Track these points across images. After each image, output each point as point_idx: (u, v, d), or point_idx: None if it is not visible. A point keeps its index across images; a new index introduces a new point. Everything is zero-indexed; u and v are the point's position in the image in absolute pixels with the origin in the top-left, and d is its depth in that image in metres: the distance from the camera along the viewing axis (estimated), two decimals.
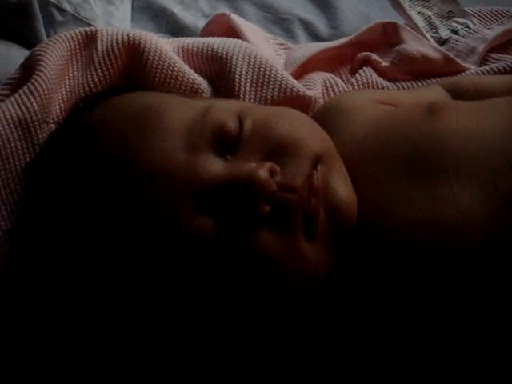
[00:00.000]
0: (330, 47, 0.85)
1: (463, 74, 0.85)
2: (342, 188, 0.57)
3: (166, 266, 0.54)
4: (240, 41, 0.82)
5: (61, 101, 0.77)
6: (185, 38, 0.86)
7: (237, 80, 0.77)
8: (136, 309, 0.57)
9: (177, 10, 1.03)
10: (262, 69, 0.77)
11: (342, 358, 0.59)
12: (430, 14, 0.93)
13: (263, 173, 0.53)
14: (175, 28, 1.00)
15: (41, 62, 0.76)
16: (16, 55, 0.86)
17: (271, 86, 0.76)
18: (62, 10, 0.92)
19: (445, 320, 0.55)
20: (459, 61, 0.86)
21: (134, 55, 0.79)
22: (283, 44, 0.92)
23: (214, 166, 0.54)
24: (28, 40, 0.89)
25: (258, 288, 0.54)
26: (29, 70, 0.77)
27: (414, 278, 0.56)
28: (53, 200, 0.59)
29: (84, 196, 0.56)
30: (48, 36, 0.90)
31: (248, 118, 0.58)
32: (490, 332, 0.55)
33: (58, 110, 0.76)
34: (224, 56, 0.79)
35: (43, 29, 0.90)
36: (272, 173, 0.54)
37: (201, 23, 0.99)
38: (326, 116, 0.67)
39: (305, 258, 0.54)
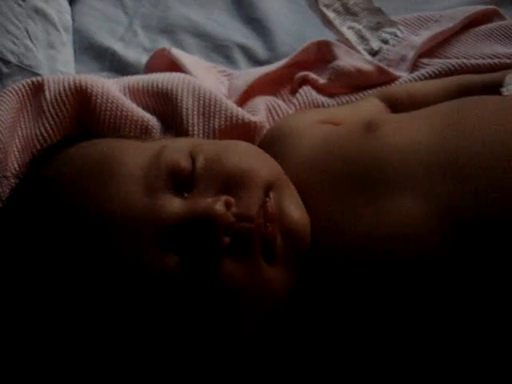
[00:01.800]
0: (269, 71, 0.89)
1: (397, 82, 0.90)
2: (295, 211, 0.61)
3: (137, 305, 0.57)
4: (183, 75, 0.85)
5: (16, 153, 0.79)
6: (129, 77, 0.89)
7: (184, 114, 0.80)
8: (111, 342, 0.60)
9: (118, 47, 1.05)
10: (206, 100, 0.81)
11: (318, 369, 0.63)
12: (359, 27, 0.97)
13: (219, 206, 0.56)
14: (118, 66, 1.03)
15: None
16: None
17: (217, 116, 0.80)
18: (6, 62, 0.94)
19: (406, 325, 0.59)
20: (391, 70, 0.91)
21: (82, 100, 0.82)
22: (224, 71, 0.96)
23: (173, 204, 0.58)
24: None
25: (227, 313, 0.58)
26: None
27: (370, 289, 0.60)
28: (19, 256, 0.62)
29: (51, 248, 0.59)
30: None
31: (199, 155, 0.61)
32: (452, 329, 0.59)
33: (16, 163, 0.78)
34: (169, 92, 0.82)
35: None
36: (228, 205, 0.57)
37: (143, 59, 1.02)
38: (272, 142, 0.71)
39: (267, 280, 0.58)
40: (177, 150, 0.62)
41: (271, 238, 0.58)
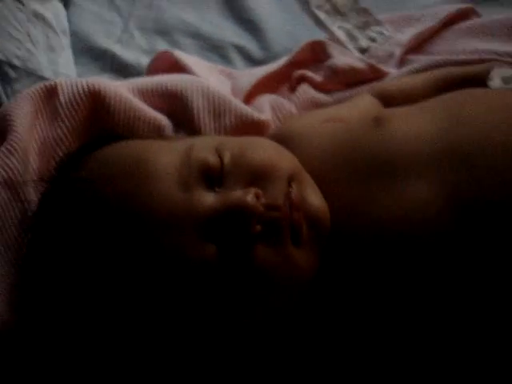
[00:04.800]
0: (270, 71, 0.95)
1: (387, 77, 0.97)
2: (315, 199, 0.67)
3: (180, 293, 0.62)
4: (191, 76, 0.90)
5: (35, 157, 0.81)
6: (136, 79, 0.93)
7: (195, 113, 0.85)
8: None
9: (116, 49, 1.09)
10: (216, 100, 0.86)
11: (338, 355, 0.69)
12: (348, 26, 1.04)
13: (250, 198, 0.62)
14: (119, 67, 1.07)
15: (11, 122, 0.81)
16: None
17: (227, 115, 0.85)
18: (14, 67, 0.97)
19: (419, 302, 0.66)
20: (381, 66, 0.98)
21: (96, 102, 0.85)
22: (224, 70, 1.01)
23: (207, 199, 0.63)
24: None
25: (261, 293, 0.64)
26: (0, 131, 0.82)
27: (384, 265, 0.66)
28: (62, 258, 0.66)
29: (95, 247, 0.64)
30: (5, 94, 0.95)
31: (226, 152, 0.67)
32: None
33: (35, 166, 0.80)
34: (179, 92, 0.87)
35: (1, 87, 0.95)
36: (257, 196, 0.63)
37: (142, 59, 1.06)
38: (283, 142, 0.76)
39: (296, 261, 0.64)
40: (204, 148, 0.67)
41: (298, 225, 0.64)
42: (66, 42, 1.11)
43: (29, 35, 1.05)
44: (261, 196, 0.63)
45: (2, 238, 0.74)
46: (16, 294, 0.71)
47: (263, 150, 0.68)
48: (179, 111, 0.88)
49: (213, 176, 0.65)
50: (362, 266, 0.67)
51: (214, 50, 1.09)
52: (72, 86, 0.85)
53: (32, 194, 0.76)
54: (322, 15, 1.02)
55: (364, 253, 0.67)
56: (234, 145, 0.69)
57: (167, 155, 0.66)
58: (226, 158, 0.66)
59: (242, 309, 0.64)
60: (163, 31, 1.12)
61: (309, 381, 0.71)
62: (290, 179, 0.67)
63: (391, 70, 0.98)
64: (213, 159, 0.66)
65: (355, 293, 0.68)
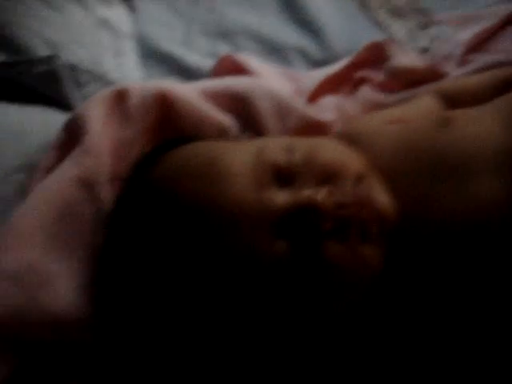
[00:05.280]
0: (333, 73, 0.97)
1: (447, 77, 0.98)
2: (383, 197, 0.69)
3: (254, 289, 0.65)
4: (255, 79, 0.93)
5: (108, 157, 0.84)
6: (203, 82, 0.96)
7: (261, 116, 0.88)
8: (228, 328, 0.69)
9: (180, 53, 1.12)
10: (280, 102, 0.88)
11: (395, 351, 0.71)
12: (408, 27, 1.05)
13: (321, 196, 0.64)
14: (183, 70, 1.10)
15: (86, 124, 0.85)
16: (52, 119, 0.94)
17: (292, 117, 0.87)
18: (84, 72, 1.01)
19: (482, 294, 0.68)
20: (441, 67, 0.99)
21: (165, 105, 0.88)
22: (286, 72, 1.04)
23: (280, 197, 0.66)
24: (59, 102, 0.99)
25: (331, 289, 0.66)
26: (75, 133, 0.86)
27: (454, 265, 0.68)
28: (139, 255, 0.69)
29: (170, 243, 0.67)
30: (75, 97, 0.99)
31: (296, 152, 0.69)
32: None
33: (109, 166, 0.82)
34: (245, 95, 0.90)
35: (71, 90, 0.99)
36: (327, 195, 0.65)
37: (206, 62, 1.08)
38: (348, 143, 0.77)
39: (364, 258, 0.66)
40: (275, 148, 0.70)
41: (366, 222, 0.66)
42: (131, 45, 1.15)
43: (96, 40, 1.09)
44: (331, 194, 0.66)
45: (79, 234, 0.78)
46: (93, 290, 0.75)
47: (332, 150, 0.71)
48: (245, 113, 0.90)
49: (284, 175, 0.67)
50: (428, 264, 0.69)
51: (275, 52, 1.11)
52: (142, 89, 0.89)
53: (107, 193, 0.80)
54: (381, 16, 1.04)
55: (431, 250, 0.69)
56: (303, 145, 0.71)
57: (240, 156, 0.69)
58: (297, 158, 0.69)
59: (310, 304, 0.66)
60: (225, 34, 1.14)
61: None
62: (359, 178, 0.69)
63: (451, 70, 0.99)
64: (284, 159, 0.68)
65: (415, 291, 0.69)
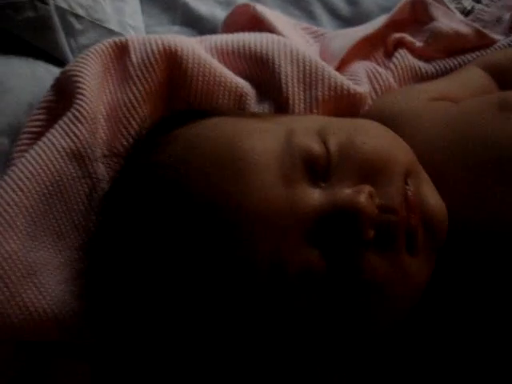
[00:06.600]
0: (367, 34, 0.84)
1: (494, 46, 0.85)
2: (433, 198, 0.58)
3: (276, 301, 0.54)
4: (277, 36, 0.80)
5: (104, 124, 0.73)
6: (215, 36, 0.83)
7: (283, 81, 0.75)
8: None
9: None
10: (307, 67, 0.76)
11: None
12: None
13: (364, 198, 0.53)
14: (190, 19, 0.97)
15: (79, 84, 0.73)
16: (42, 73, 0.82)
17: (320, 86, 0.75)
18: (79, 17, 0.88)
19: None
20: (488, 32, 0.86)
21: (171, 64, 0.76)
22: (308, 28, 0.91)
23: (313, 196, 0.54)
24: (50, 54, 0.85)
25: (367, 307, 0.56)
26: (66, 93, 0.74)
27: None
28: (138, 247, 0.59)
29: (176, 246, 0.56)
30: (70, 48, 0.86)
31: (331, 138, 0.58)
32: None
33: (104, 136, 0.72)
34: (264, 55, 0.77)
35: (65, 40, 0.86)
36: (371, 196, 0.54)
37: (217, 12, 0.96)
38: (385, 122, 0.65)
39: (411, 274, 0.56)
40: (306, 133, 0.58)
41: (414, 230, 0.55)
42: None
43: None
44: (375, 195, 0.54)
45: (69, 217, 0.68)
46: (83, 282, 0.65)
47: (376, 138, 0.59)
48: (264, 77, 0.78)
49: (318, 168, 0.56)
50: (482, 271, 0.58)
51: (298, 4, 0.97)
52: (145, 43, 0.77)
53: (102, 170, 0.69)
54: None
55: (481, 260, 0.58)
56: (340, 129, 0.59)
57: (264, 140, 0.57)
58: (333, 146, 0.57)
59: (343, 321, 0.56)
60: None
61: None
62: (407, 175, 0.57)
63: (499, 37, 0.86)
64: (317, 147, 0.57)
65: (462, 300, 0.59)
